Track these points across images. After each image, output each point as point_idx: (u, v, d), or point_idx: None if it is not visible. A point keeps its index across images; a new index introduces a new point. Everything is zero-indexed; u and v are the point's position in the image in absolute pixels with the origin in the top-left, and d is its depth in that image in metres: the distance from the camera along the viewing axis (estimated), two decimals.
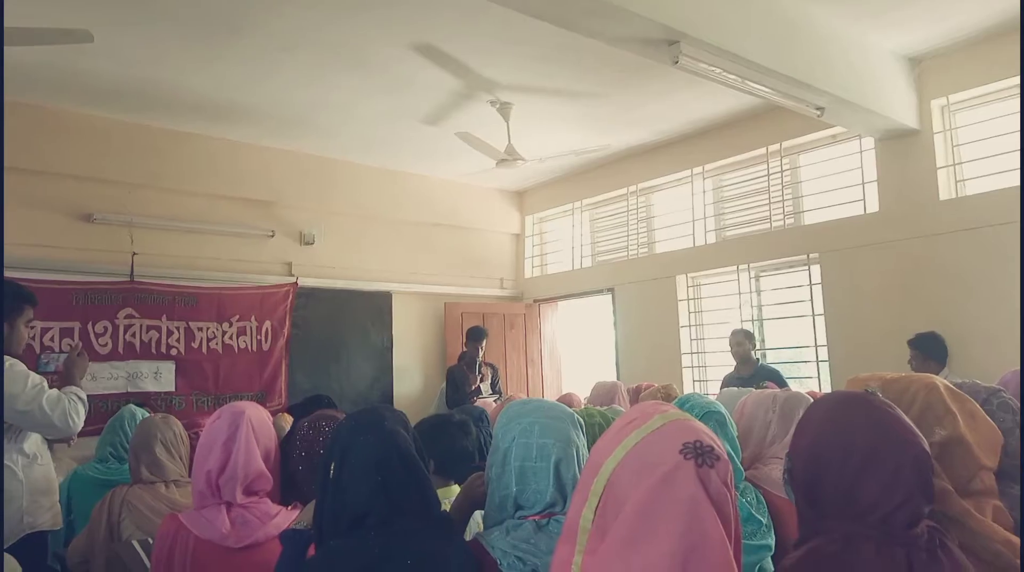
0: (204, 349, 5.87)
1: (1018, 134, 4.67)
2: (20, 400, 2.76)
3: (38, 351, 4.92)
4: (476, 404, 4.53)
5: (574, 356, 8.47)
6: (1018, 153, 4.65)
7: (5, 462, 2.75)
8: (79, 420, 2.91)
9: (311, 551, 1.52)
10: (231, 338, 6.03)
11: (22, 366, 2.84)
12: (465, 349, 6.58)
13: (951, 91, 5.06)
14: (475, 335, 6.49)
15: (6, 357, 2.76)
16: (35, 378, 2.83)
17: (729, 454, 1.14)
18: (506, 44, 4.62)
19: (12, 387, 2.75)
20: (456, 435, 2.40)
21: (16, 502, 2.75)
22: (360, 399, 6.64)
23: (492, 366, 6.64)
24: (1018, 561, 1.22)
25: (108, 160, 5.63)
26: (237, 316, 6.07)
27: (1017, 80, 4.75)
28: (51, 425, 2.84)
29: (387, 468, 1.43)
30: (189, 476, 2.46)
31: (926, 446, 1.23)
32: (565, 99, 5.57)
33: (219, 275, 6.13)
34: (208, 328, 5.91)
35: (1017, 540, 1.27)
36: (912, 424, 1.26)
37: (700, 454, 0.97)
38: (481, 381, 6.36)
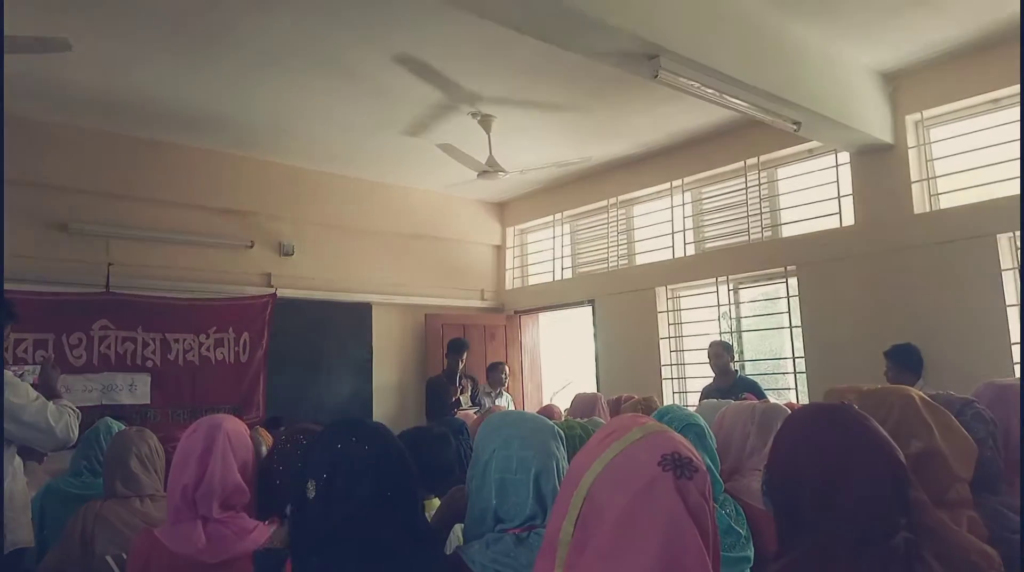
0: (181, 361, 5.80)
1: (994, 147, 4.76)
2: (27, 412, 2.77)
3: (11, 362, 4.83)
4: (456, 416, 4.51)
5: (555, 368, 8.47)
6: (993, 167, 4.74)
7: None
8: (76, 433, 2.96)
9: (287, 570, 1.49)
10: (208, 350, 5.95)
11: (18, 378, 2.83)
12: (446, 361, 6.56)
13: (925, 106, 5.15)
14: (456, 347, 6.48)
15: (8, 370, 2.75)
16: (32, 391, 2.83)
17: (708, 466, 1.15)
18: (487, 57, 4.64)
19: (17, 398, 2.77)
20: (436, 447, 2.39)
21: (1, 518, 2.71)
22: (340, 411, 6.58)
23: (472, 378, 6.63)
24: None
25: (85, 169, 5.57)
26: (215, 327, 6.00)
27: (992, 95, 4.85)
28: (53, 437, 2.86)
29: (386, 472, 1.40)
30: (164, 490, 2.43)
31: (902, 458, 1.24)
32: (546, 111, 5.60)
33: (197, 286, 6.07)
34: (185, 340, 5.84)
35: (992, 551, 1.29)
36: (888, 436, 1.27)
37: (678, 466, 0.97)
38: (461, 393, 6.34)
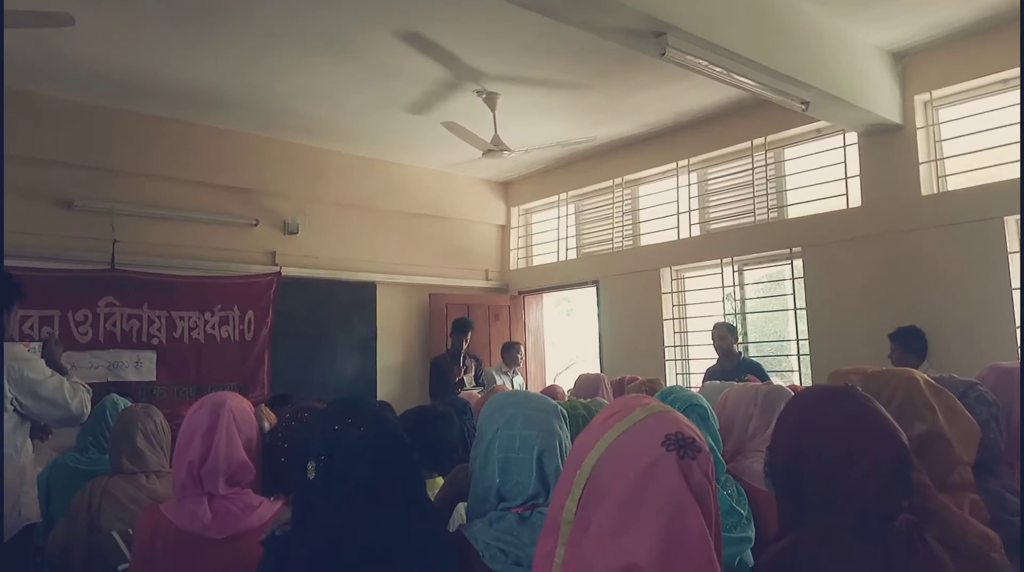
0: (186, 338, 5.82)
1: (1003, 129, 4.72)
2: (44, 387, 2.82)
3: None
4: (460, 395, 4.53)
5: (559, 348, 8.49)
6: (1002, 148, 4.70)
7: (6, 451, 2.75)
8: (89, 409, 3.02)
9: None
10: (213, 328, 5.98)
11: (33, 354, 2.88)
12: (450, 341, 6.58)
13: (934, 87, 5.10)
14: (460, 327, 6.49)
15: (20, 344, 2.79)
16: (47, 367, 2.87)
17: (711, 447, 1.15)
18: (493, 34, 4.60)
19: (34, 374, 2.83)
20: (439, 427, 2.40)
21: (14, 493, 2.75)
22: (344, 389, 6.61)
23: (476, 358, 6.66)
24: (993, 555, 1.24)
25: (89, 146, 5.56)
26: (220, 305, 6.02)
27: (1001, 75, 4.80)
28: (68, 413, 2.92)
29: (382, 456, 1.41)
30: (170, 467, 2.45)
31: (905, 440, 1.24)
32: (551, 90, 5.56)
33: (202, 264, 6.08)
34: (190, 317, 5.86)
35: (993, 534, 1.29)
36: (892, 418, 1.27)
37: (682, 446, 0.97)
38: (465, 373, 6.36)
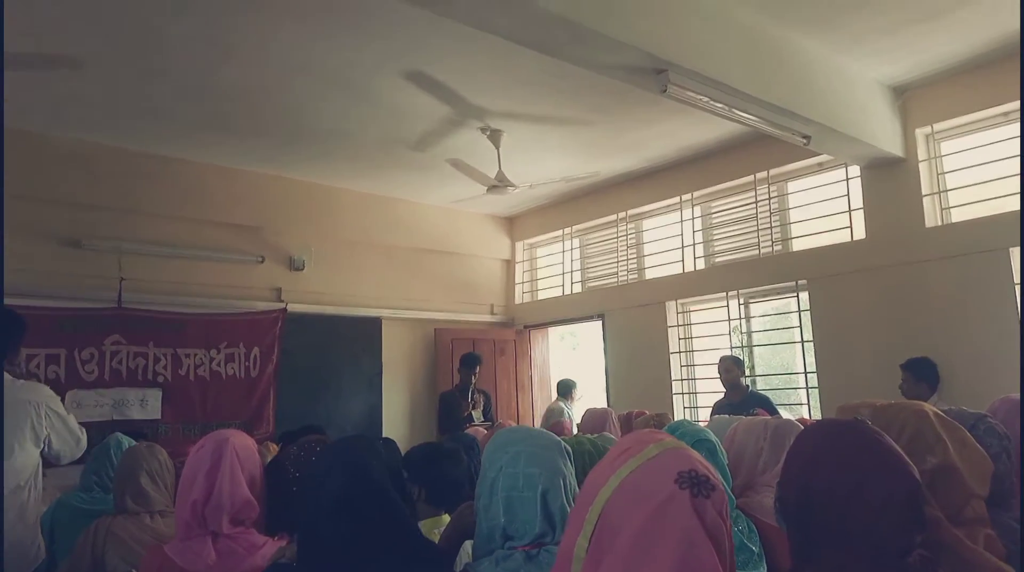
0: (192, 376, 5.82)
1: (1006, 161, 4.74)
2: (69, 422, 2.99)
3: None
4: (468, 431, 4.50)
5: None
6: (1005, 180, 4.72)
7: (25, 490, 2.80)
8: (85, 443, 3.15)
9: None
10: (219, 365, 5.98)
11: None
12: (459, 375, 6.56)
13: (935, 120, 5.14)
14: (469, 362, 6.48)
15: (37, 383, 2.91)
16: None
17: (721, 483, 1.14)
18: (495, 72, 4.66)
19: (61, 410, 2.96)
20: (445, 464, 2.39)
21: (33, 531, 2.83)
22: (349, 426, 6.58)
23: (485, 393, 6.62)
24: None
25: (96, 186, 5.62)
26: (225, 342, 6.02)
27: (1002, 108, 4.83)
28: (80, 447, 3.07)
29: (352, 507, 1.41)
30: (175, 506, 2.44)
31: (917, 474, 1.22)
32: (554, 126, 5.62)
33: (208, 301, 6.10)
34: (196, 354, 5.87)
35: (1009, 569, 1.27)
36: (902, 452, 1.26)
37: (696, 484, 0.96)
38: (473, 408, 6.33)
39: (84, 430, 3.13)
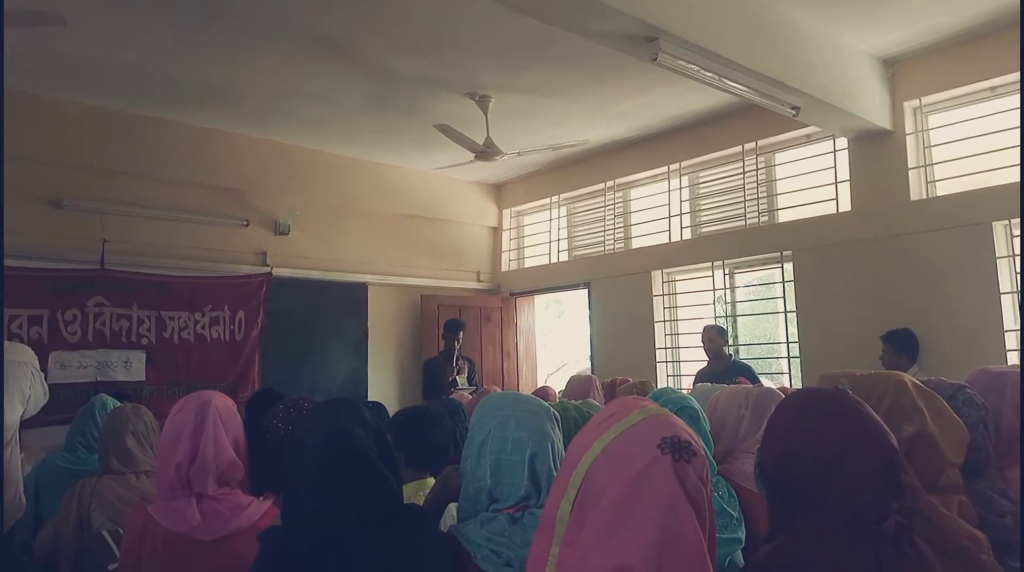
0: (176, 339, 5.79)
1: (992, 135, 4.76)
2: (39, 377, 3.06)
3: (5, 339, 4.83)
4: (453, 396, 4.53)
5: (550, 349, 8.49)
6: (990, 154, 4.74)
7: (10, 446, 2.84)
8: None
9: None
10: (204, 328, 5.95)
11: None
12: (443, 341, 6.58)
13: (924, 93, 5.13)
14: (452, 327, 6.49)
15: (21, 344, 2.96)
16: None
17: (703, 449, 1.15)
18: (485, 37, 4.60)
19: (35, 363, 3.04)
20: (429, 428, 2.40)
21: (15, 485, 2.89)
22: (335, 391, 6.59)
23: (469, 359, 6.65)
24: (982, 556, 1.24)
25: (79, 145, 5.53)
26: (210, 306, 5.99)
27: (990, 82, 4.84)
28: (38, 408, 3.15)
29: (332, 471, 1.41)
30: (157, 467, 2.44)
31: (895, 442, 1.25)
32: (543, 93, 5.56)
33: (192, 264, 6.05)
34: (180, 317, 5.84)
35: (982, 535, 1.30)
36: (881, 421, 1.28)
37: (677, 449, 0.98)
38: (458, 374, 6.36)
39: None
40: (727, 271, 6.31)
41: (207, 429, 1.89)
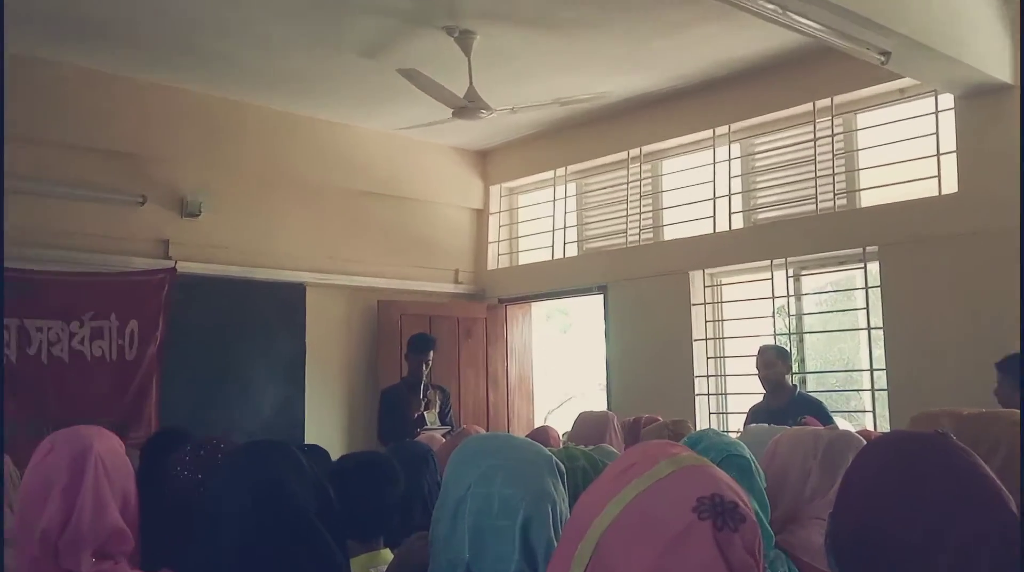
0: (44, 357, 5.76)
1: None
2: None
3: None
4: (420, 439, 4.53)
5: (551, 376, 8.48)
6: None
7: None
8: None
9: None
10: (82, 342, 5.92)
11: None
12: (406, 364, 6.57)
13: None
14: (419, 345, 6.48)
15: None
16: None
17: (756, 512, 1.15)
18: None
19: None
20: (385, 481, 2.40)
21: None
22: (263, 430, 6.56)
23: (442, 389, 6.64)
24: None
25: None
26: (92, 312, 5.96)
27: None
28: None
29: (258, 537, 1.42)
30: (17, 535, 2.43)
31: (1015, 508, 1.25)
32: (548, 29, 5.58)
33: (67, 254, 6.03)
34: (50, 328, 5.80)
35: None
36: (996, 478, 1.28)
37: (720, 513, 0.98)
38: (427, 408, 6.35)
39: None
40: (791, 273, 6.33)
41: (85, 483, 1.88)
